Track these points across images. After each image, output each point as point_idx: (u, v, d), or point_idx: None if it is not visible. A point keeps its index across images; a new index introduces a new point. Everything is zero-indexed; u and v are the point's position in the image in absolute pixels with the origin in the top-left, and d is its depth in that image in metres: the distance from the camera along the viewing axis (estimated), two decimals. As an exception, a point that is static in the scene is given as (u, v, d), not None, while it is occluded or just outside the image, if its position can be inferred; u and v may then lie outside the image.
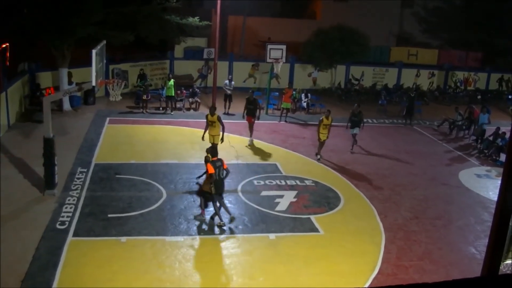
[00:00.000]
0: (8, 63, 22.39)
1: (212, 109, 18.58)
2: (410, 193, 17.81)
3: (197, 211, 15.12)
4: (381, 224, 15.17)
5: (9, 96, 22.06)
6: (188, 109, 27.26)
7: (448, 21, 40.80)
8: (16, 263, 11.89)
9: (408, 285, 2.81)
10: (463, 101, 32.71)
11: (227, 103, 26.96)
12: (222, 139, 18.43)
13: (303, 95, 28.97)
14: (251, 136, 21.86)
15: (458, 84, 36.89)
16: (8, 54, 22.33)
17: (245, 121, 22.19)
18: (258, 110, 22.15)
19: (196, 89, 28.25)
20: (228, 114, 26.78)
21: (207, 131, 18.51)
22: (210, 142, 18.42)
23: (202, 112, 26.78)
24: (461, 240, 14.68)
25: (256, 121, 22.12)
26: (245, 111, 21.99)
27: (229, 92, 27.00)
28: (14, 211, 14.58)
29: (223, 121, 18.51)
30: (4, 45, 21.85)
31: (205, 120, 18.46)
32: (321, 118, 20.09)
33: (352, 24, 32.29)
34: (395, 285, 9.26)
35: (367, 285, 11.95)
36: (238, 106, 27.46)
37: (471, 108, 26.54)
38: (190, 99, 27.43)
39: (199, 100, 27.62)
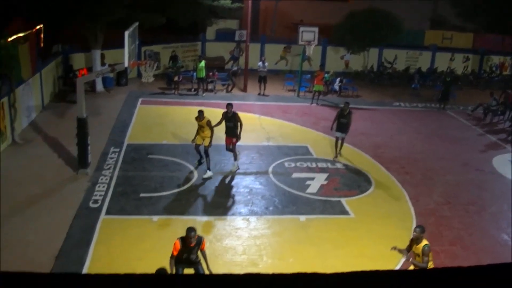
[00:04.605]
0: (42, 45, 22.63)
1: (201, 114, 16.20)
2: (442, 178, 17.60)
3: (228, 191, 15.28)
4: (412, 209, 15.04)
5: (43, 77, 22.39)
6: (228, 88, 27.71)
7: (484, 4, 39.99)
8: (50, 240, 12.09)
9: (437, 268, 2.78)
10: (498, 86, 32.13)
11: (262, 85, 26.96)
12: (210, 143, 16.24)
13: (337, 80, 28.82)
14: (235, 159, 17.18)
15: (494, 68, 36.26)
16: (42, 36, 22.57)
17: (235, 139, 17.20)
18: (239, 127, 16.70)
19: (235, 68, 28.28)
20: (263, 95, 26.87)
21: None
22: (198, 143, 16.38)
23: (234, 94, 26.88)
24: (493, 227, 14.48)
25: (237, 138, 16.96)
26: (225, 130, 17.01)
27: (263, 73, 26.97)
28: (48, 189, 14.83)
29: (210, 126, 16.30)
30: (38, 27, 22.07)
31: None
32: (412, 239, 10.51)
33: (385, 7, 31.84)
34: (423, 269, 9.15)
35: (396, 268, 11.90)
36: (271, 88, 27.57)
37: (506, 93, 26.07)
38: (229, 81, 27.56)
39: (229, 82, 27.70)
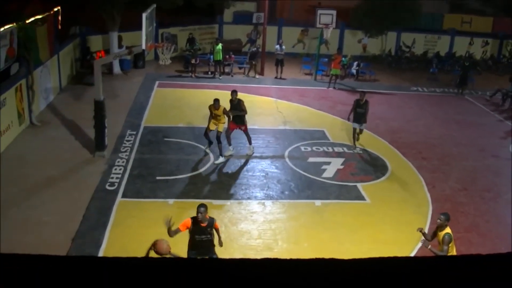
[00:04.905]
0: (60, 27, 22.70)
1: (217, 102, 15.87)
2: (459, 163, 17.48)
3: (243, 175, 15.30)
4: (428, 195, 14.97)
5: (61, 59, 22.50)
6: (245, 72, 27.73)
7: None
8: (67, 222, 12.21)
9: (454, 256, 2.76)
10: (517, 71, 31.76)
11: (279, 68, 26.91)
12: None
13: (355, 64, 28.64)
14: (250, 143, 17.05)
15: (513, 53, 35.79)
16: (59, 18, 22.62)
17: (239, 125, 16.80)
18: (244, 115, 16.43)
19: (254, 49, 28.16)
20: (280, 78, 26.79)
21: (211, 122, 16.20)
22: (211, 129, 16.15)
23: (250, 78, 26.82)
24: (509, 214, 14.34)
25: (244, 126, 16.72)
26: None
27: (280, 56, 26.87)
28: (65, 171, 14.95)
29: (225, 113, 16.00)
30: (55, 9, 22.12)
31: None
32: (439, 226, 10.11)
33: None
34: (440, 256, 9.10)
35: (412, 255, 11.86)
36: (288, 72, 27.44)
37: (526, 78, 25.75)
38: (248, 64, 27.49)
39: (246, 66, 27.67)
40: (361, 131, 17.86)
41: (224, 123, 16.07)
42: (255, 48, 28.13)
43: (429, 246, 10.07)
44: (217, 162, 16.14)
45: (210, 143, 16.56)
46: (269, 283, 2.12)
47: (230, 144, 16.65)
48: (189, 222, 9.51)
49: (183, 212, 12.94)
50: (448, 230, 9.89)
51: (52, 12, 21.51)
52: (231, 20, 33.48)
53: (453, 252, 9.99)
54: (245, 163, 16.28)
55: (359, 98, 17.71)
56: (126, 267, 2.18)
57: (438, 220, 10.14)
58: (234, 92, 16.44)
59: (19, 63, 17.93)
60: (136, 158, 16.03)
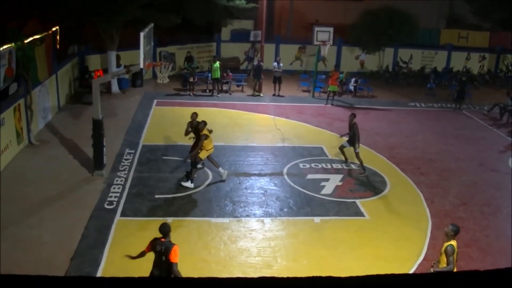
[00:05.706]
0: (58, 46, 22.79)
1: (196, 122, 15.46)
2: (458, 178, 17.47)
3: (242, 192, 15.26)
4: (427, 210, 14.94)
5: (59, 78, 22.57)
6: (241, 88, 27.80)
7: (500, 1, 39.46)
8: (66, 241, 12.17)
9: (453, 272, 2.76)
10: (514, 86, 31.85)
11: (277, 85, 26.96)
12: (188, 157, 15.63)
13: (352, 80, 28.73)
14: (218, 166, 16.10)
15: (510, 67, 35.88)
16: (58, 38, 22.72)
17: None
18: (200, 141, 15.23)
19: (255, 63, 28.10)
20: (278, 96, 26.85)
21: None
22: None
23: (248, 95, 26.87)
24: (509, 228, 14.31)
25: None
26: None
27: (278, 74, 26.93)
28: (64, 190, 14.92)
29: (203, 138, 15.26)
30: (54, 29, 22.22)
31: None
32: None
33: (401, 6, 31.66)
34: (440, 271, 9.06)
35: (412, 271, 11.83)
36: (286, 89, 27.51)
37: (523, 92, 25.82)
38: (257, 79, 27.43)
39: (244, 83, 27.78)
40: (357, 156, 17.18)
41: (204, 149, 15.39)
42: (257, 63, 28.01)
43: (432, 269, 9.98)
44: (183, 184, 15.45)
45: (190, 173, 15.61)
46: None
47: (218, 167, 16.06)
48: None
49: (181, 230, 12.93)
50: (451, 242, 9.80)
51: (50, 31, 21.62)
52: (228, 38, 33.66)
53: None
54: (244, 181, 16.25)
55: (349, 119, 17.52)
56: (125, 286, 2.18)
57: (446, 229, 10.05)
58: (194, 114, 16.15)
59: (17, 83, 17.97)
60: (134, 177, 16.01)
